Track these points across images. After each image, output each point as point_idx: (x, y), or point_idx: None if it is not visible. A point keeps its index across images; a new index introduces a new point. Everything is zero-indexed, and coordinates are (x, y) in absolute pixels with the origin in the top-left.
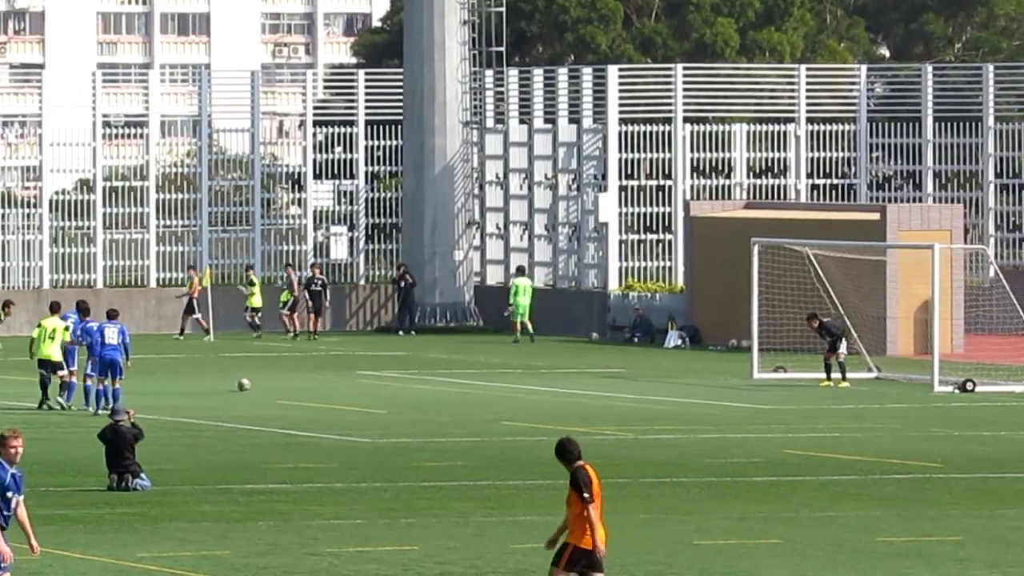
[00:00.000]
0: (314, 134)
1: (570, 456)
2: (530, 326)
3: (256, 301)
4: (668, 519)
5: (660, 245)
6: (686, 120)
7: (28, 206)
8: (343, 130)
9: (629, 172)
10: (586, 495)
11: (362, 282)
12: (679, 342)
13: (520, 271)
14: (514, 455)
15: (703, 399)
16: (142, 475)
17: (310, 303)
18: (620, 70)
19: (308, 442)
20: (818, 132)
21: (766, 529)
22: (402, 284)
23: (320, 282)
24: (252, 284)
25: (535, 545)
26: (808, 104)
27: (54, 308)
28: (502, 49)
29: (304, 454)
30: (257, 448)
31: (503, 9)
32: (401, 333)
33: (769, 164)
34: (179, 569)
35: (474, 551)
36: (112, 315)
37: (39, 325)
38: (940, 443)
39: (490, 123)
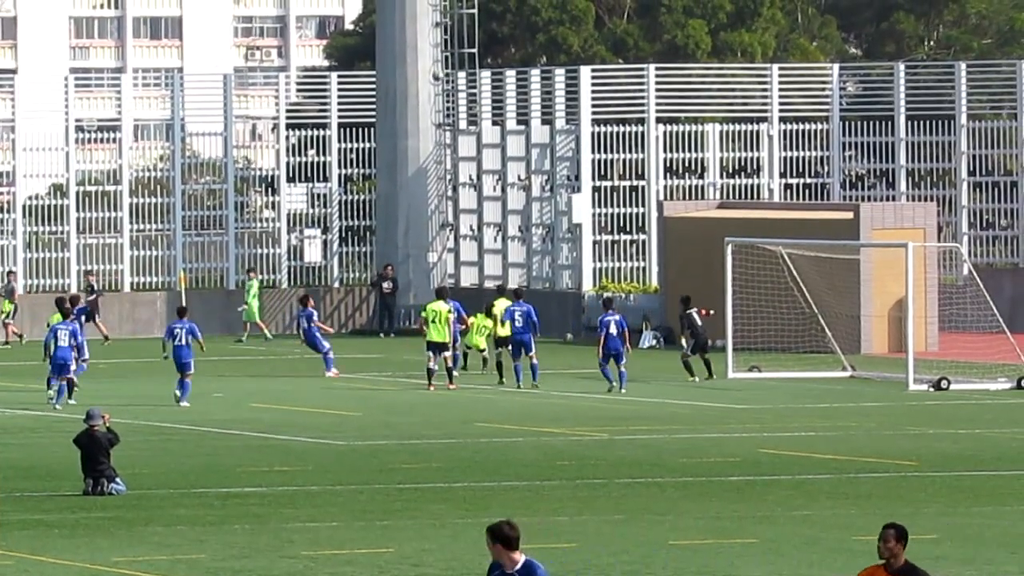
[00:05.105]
0: (287, 137)
1: None
2: (264, 328)
3: (7, 306)
4: (643, 519)
5: (634, 245)
6: (659, 120)
7: (1, 211)
8: (316, 133)
9: (602, 173)
10: None
11: (336, 284)
12: (654, 342)
13: (249, 271)
14: (489, 456)
15: (678, 399)
16: (117, 479)
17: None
18: (593, 71)
19: (282, 445)
20: (791, 131)
21: (742, 528)
22: (383, 286)
23: (89, 287)
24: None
25: None
26: (780, 103)
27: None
28: (474, 51)
29: (279, 457)
30: (232, 451)
31: (475, 11)
32: (382, 335)
33: (742, 164)
34: (155, 573)
35: (450, 553)
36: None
37: (425, 310)
38: (915, 441)
39: (463, 125)
